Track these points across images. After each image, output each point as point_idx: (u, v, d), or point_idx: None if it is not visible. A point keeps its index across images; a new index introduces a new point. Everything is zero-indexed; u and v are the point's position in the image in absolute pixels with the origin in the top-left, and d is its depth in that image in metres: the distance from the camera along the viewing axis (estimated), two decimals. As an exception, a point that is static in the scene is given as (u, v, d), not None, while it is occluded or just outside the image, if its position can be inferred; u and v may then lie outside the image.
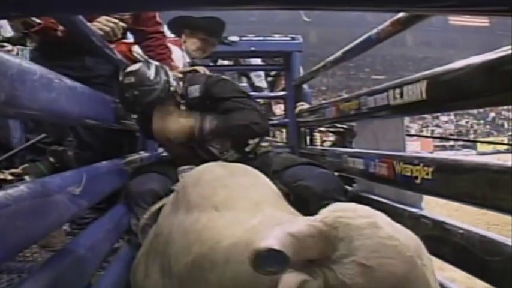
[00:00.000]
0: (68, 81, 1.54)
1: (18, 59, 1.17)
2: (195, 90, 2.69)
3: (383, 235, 0.93)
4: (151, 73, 2.53)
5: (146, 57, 3.19)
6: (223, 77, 3.06)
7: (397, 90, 1.81)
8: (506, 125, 42.38)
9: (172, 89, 2.58)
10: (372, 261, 0.89)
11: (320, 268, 0.90)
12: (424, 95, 1.60)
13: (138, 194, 2.48)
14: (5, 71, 1.05)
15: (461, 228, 1.60)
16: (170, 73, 2.63)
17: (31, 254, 2.55)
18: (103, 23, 2.70)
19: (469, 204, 1.50)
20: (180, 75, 2.83)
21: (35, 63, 2.46)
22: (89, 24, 2.22)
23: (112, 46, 2.79)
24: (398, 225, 1.02)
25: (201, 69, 3.07)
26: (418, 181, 1.72)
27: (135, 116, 2.89)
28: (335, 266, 0.90)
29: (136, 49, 3.31)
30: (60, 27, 2.60)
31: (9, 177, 2.65)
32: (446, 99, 1.54)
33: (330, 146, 5.06)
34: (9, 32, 4.15)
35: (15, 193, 1.14)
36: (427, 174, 1.66)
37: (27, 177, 2.68)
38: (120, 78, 2.60)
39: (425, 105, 1.63)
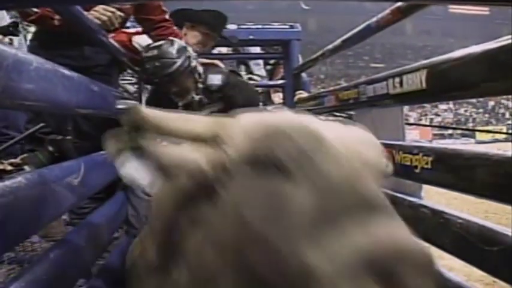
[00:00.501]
0: (65, 71, 1.53)
1: (14, 49, 1.15)
2: (216, 79, 2.78)
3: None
4: (173, 48, 2.62)
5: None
6: (244, 80, 3.08)
7: (397, 79, 1.80)
8: (507, 115, 42.41)
9: (192, 64, 2.59)
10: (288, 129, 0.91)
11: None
12: (424, 84, 1.59)
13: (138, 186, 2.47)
14: (1, 61, 1.04)
15: (461, 218, 1.60)
16: (192, 52, 2.66)
17: (31, 245, 2.55)
18: (100, 12, 2.68)
19: (468, 194, 1.50)
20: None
21: (33, 52, 2.47)
22: (85, 13, 2.20)
23: (112, 35, 2.78)
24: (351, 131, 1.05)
25: (220, 64, 3.11)
26: (417, 170, 1.72)
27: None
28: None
29: (137, 39, 3.30)
30: (57, 16, 2.58)
31: (9, 168, 2.65)
32: (446, 88, 1.53)
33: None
34: (5, 21, 4.13)
35: (13, 184, 1.14)
36: (427, 163, 1.65)
37: (26, 167, 2.69)
38: (143, 53, 2.69)
39: (425, 95, 1.62)
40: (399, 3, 1.97)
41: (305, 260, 0.77)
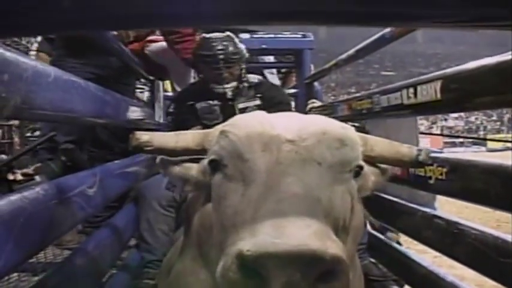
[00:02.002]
0: (82, 82, 1.55)
1: (34, 61, 1.17)
2: (253, 78, 2.94)
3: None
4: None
5: (158, 57, 3.24)
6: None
7: (411, 90, 1.80)
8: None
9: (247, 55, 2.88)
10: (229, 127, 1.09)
11: None
12: (439, 95, 1.59)
13: (153, 198, 2.42)
14: (21, 73, 1.06)
15: (475, 229, 1.59)
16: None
17: (44, 253, 2.56)
18: None
19: (482, 205, 1.49)
20: None
21: (60, 61, 2.51)
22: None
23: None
24: (302, 118, 1.13)
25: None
26: (431, 181, 1.72)
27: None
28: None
29: (150, 47, 3.32)
30: None
31: (19, 178, 2.67)
32: (461, 99, 1.53)
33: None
34: None
35: (31, 195, 1.15)
36: (441, 174, 1.65)
37: (37, 177, 2.70)
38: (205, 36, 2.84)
39: (440, 106, 1.61)
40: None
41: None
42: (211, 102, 2.78)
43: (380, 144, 1.23)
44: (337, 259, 0.78)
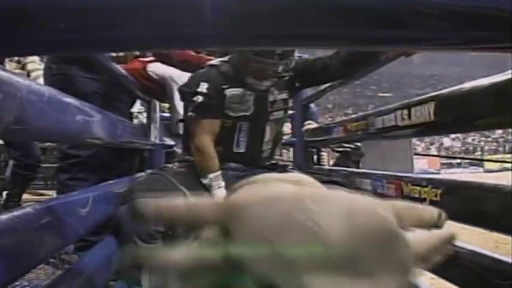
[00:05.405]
0: (77, 102, 1.54)
1: (28, 80, 1.17)
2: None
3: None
4: None
5: (159, 76, 3.24)
6: None
7: (405, 111, 1.80)
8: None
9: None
10: None
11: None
12: (432, 117, 1.59)
13: (132, 231, 2.08)
14: (15, 92, 1.05)
15: (472, 251, 1.58)
16: None
17: (35, 272, 2.54)
18: None
19: (478, 227, 1.49)
20: None
21: (67, 73, 2.50)
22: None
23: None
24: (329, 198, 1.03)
25: None
26: (426, 203, 1.71)
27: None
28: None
29: (152, 68, 3.31)
30: None
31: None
32: (455, 121, 1.53)
33: (332, 165, 5.01)
34: None
35: (22, 215, 1.14)
36: (436, 196, 1.64)
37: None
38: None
39: (434, 127, 1.62)
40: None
41: None
42: (245, 91, 2.56)
43: (404, 212, 1.15)
44: None
